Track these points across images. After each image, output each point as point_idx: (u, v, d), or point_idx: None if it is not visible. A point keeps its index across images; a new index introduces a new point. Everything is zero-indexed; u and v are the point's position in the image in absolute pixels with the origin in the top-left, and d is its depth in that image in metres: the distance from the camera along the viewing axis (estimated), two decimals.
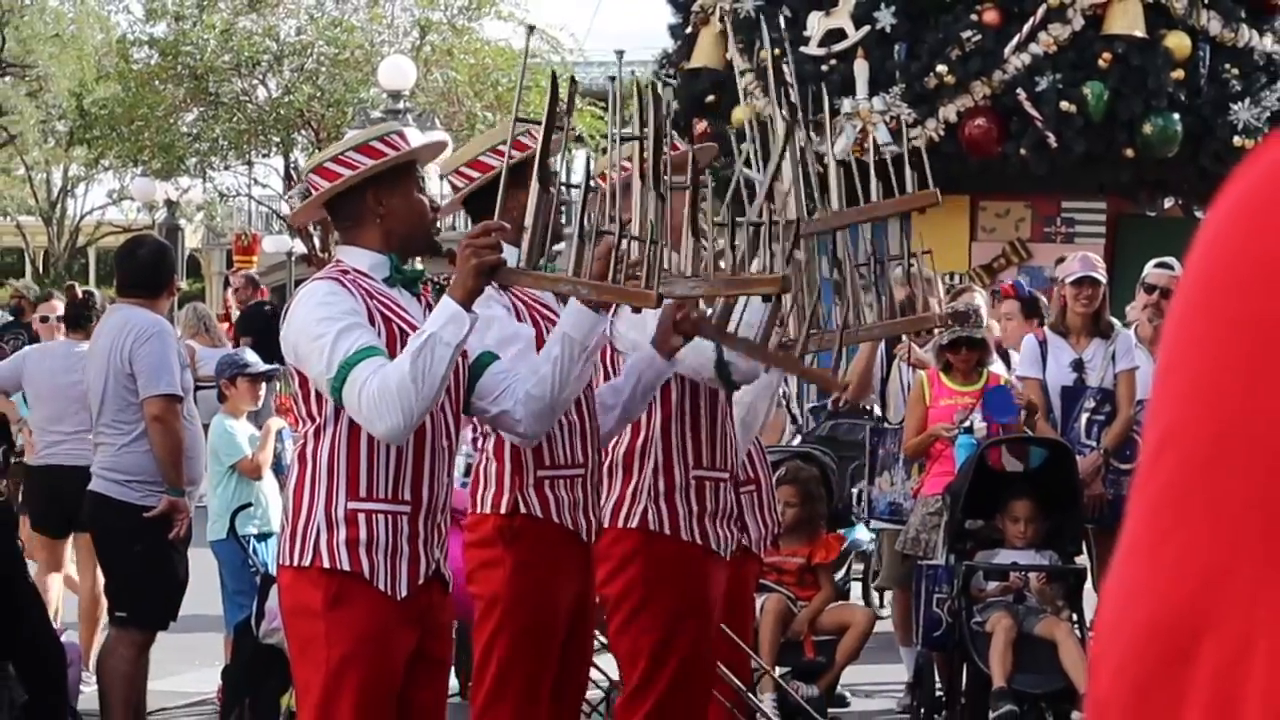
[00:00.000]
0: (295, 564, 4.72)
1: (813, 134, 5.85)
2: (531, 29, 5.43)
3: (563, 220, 5.20)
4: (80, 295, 10.95)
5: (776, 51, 7.60)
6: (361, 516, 4.70)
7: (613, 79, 4.89)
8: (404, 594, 4.74)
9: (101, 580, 9.29)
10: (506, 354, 4.98)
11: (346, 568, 4.67)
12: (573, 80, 5.19)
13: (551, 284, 4.85)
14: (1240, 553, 0.74)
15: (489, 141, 5.35)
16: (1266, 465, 0.73)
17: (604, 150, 5.39)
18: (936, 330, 8.75)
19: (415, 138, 5.19)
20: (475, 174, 5.26)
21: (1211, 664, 0.74)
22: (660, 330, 5.09)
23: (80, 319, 10.10)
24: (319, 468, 4.72)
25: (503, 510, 5.13)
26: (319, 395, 4.71)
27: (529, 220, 4.70)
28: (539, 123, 4.89)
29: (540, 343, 5.03)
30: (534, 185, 4.71)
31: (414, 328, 4.82)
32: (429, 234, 5.06)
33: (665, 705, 5.51)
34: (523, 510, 5.13)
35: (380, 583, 4.70)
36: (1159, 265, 9.33)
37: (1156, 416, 0.79)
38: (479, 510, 5.19)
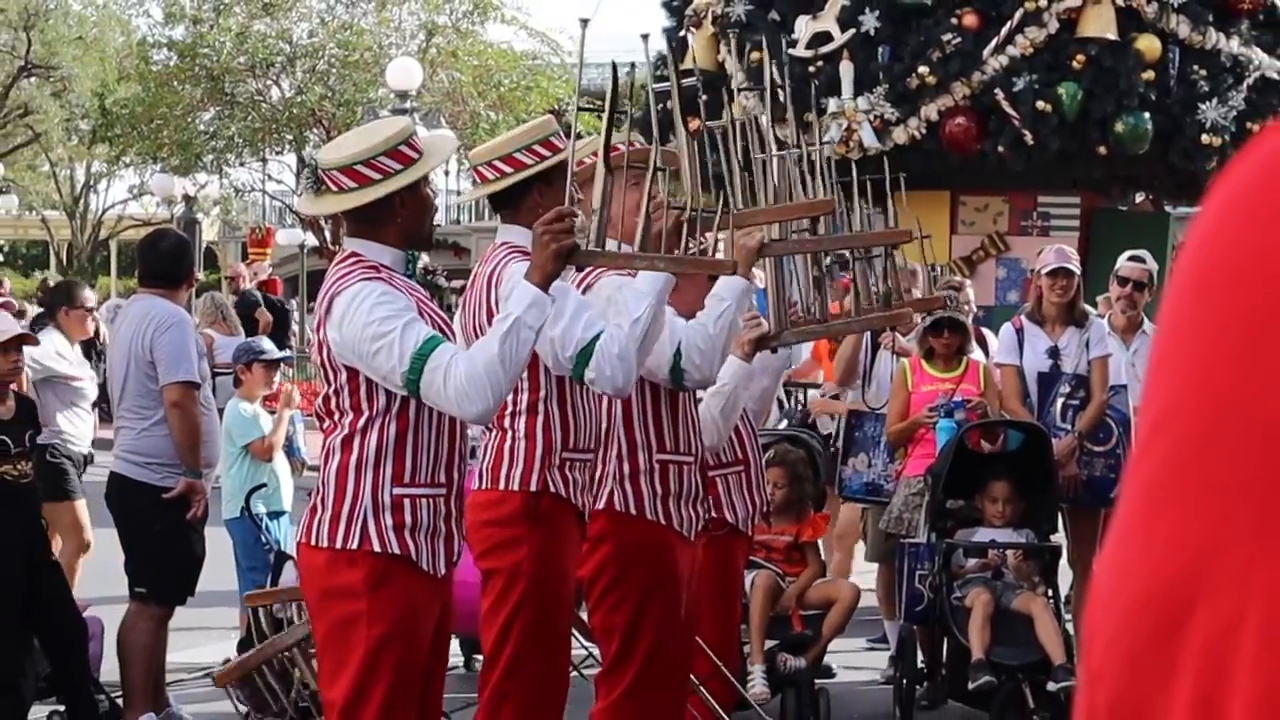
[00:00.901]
0: (339, 546, 4.68)
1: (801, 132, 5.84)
2: (586, 22, 5.33)
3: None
4: (53, 286, 11.12)
5: (764, 54, 7.58)
6: (407, 501, 4.71)
7: (622, 67, 4.85)
8: (442, 571, 4.77)
9: (70, 547, 9.33)
10: (586, 315, 4.96)
11: (396, 551, 4.67)
12: (633, 66, 5.12)
13: (628, 261, 4.83)
14: (1232, 530, 0.73)
15: (524, 139, 5.28)
16: (1258, 448, 0.73)
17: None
18: (919, 317, 8.73)
19: (425, 135, 5.14)
20: (508, 169, 5.22)
21: (1203, 635, 0.74)
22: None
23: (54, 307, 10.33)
24: (365, 455, 4.69)
25: (532, 487, 5.10)
26: (370, 388, 4.68)
27: (596, 203, 4.69)
28: (601, 110, 4.86)
29: None
30: (599, 169, 4.71)
31: (443, 317, 4.84)
32: (431, 228, 5.07)
33: (643, 678, 5.48)
34: (550, 489, 5.12)
35: (424, 563, 4.72)
36: (1131, 259, 9.30)
37: (1151, 401, 0.78)
38: (502, 487, 5.14)
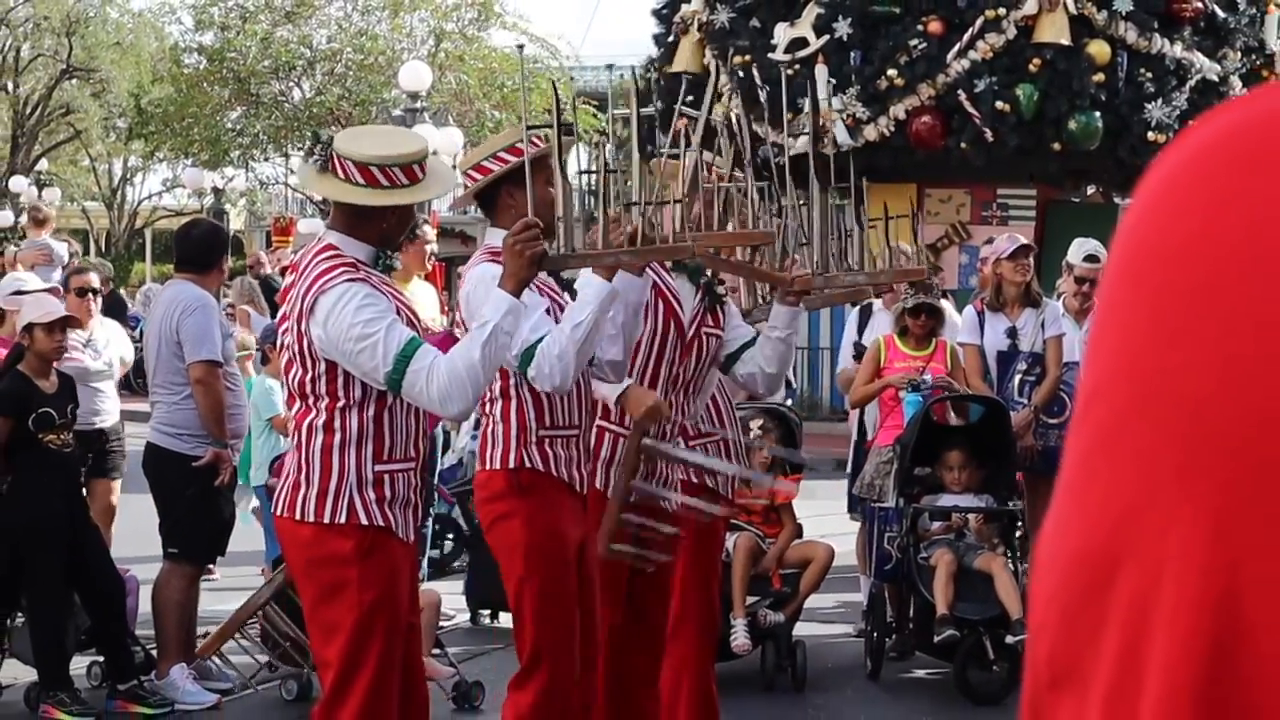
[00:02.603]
0: (326, 520, 4.73)
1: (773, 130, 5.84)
2: (522, 48, 5.39)
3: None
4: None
5: (747, 58, 7.57)
6: (386, 477, 4.78)
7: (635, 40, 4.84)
8: (411, 539, 4.87)
9: None
10: (535, 318, 4.90)
11: (380, 523, 4.74)
12: (556, 82, 5.15)
13: (595, 259, 4.81)
14: (1156, 490, 0.74)
15: (494, 146, 5.29)
16: (1180, 413, 0.74)
17: (596, 145, 5.35)
18: (904, 293, 8.72)
19: (433, 161, 5.10)
20: (480, 176, 5.23)
21: (1128, 591, 0.75)
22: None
23: None
24: (348, 436, 4.74)
25: (510, 465, 5.11)
26: (348, 379, 4.72)
27: (559, 210, 4.69)
28: (547, 126, 4.89)
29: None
30: (557, 178, 4.75)
31: (411, 309, 4.88)
32: (405, 233, 5.12)
33: (617, 633, 5.48)
34: (527, 465, 5.11)
35: (400, 532, 4.80)
36: (1088, 259, 9.16)
37: (1088, 373, 0.79)
38: (489, 468, 5.15)
